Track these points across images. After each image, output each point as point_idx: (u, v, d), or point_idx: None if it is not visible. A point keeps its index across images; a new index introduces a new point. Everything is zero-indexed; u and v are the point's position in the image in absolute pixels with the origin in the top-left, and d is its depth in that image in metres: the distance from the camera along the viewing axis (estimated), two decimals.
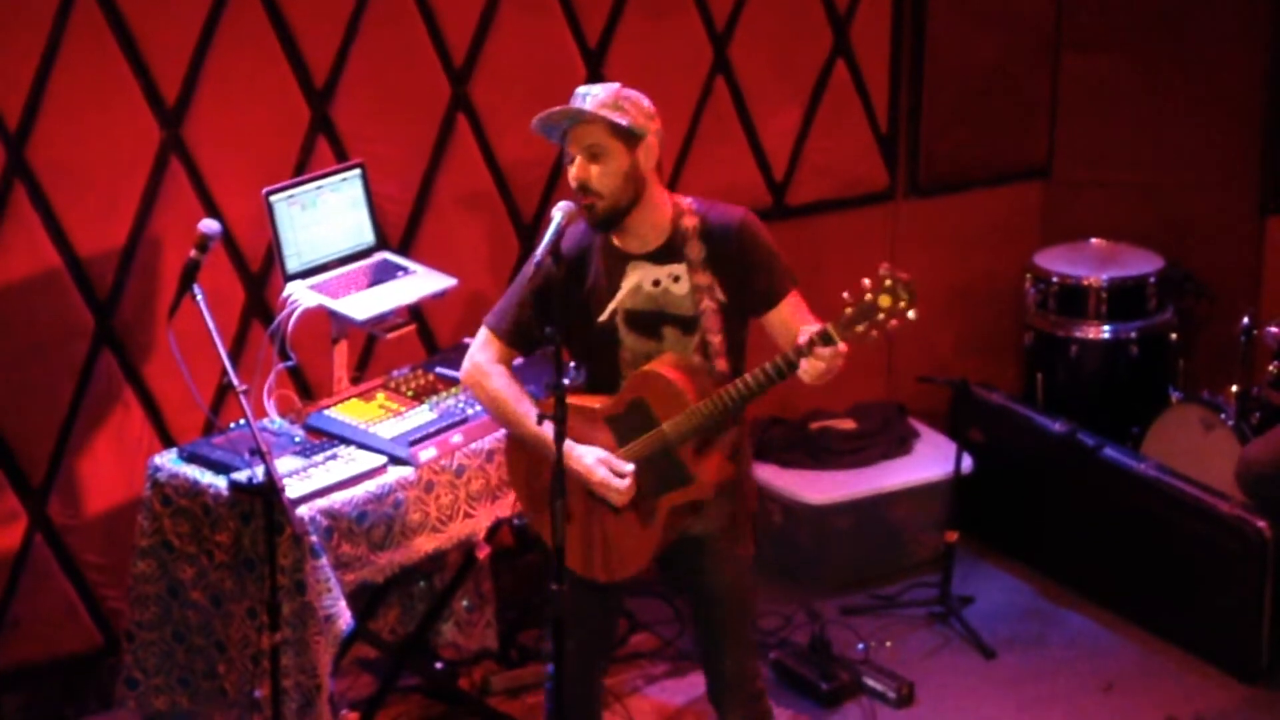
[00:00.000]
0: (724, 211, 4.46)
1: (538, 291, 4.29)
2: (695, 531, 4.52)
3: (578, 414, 4.39)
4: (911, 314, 4.16)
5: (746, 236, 4.43)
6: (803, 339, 4.21)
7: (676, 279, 4.42)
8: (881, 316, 4.15)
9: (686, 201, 4.46)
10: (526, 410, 4.46)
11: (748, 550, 4.61)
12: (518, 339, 4.53)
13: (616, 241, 4.46)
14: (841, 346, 4.19)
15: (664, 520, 4.43)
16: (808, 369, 4.23)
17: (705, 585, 4.61)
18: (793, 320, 4.38)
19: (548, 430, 4.31)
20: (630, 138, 4.37)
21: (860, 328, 4.16)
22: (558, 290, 4.33)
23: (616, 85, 4.41)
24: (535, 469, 4.55)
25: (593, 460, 4.41)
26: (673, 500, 4.42)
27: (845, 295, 4.17)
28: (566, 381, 4.25)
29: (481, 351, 4.56)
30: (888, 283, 4.14)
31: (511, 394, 4.51)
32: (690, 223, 4.42)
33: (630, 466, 4.39)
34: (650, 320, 4.45)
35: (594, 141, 4.35)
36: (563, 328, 4.28)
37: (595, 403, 4.47)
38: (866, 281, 4.15)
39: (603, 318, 4.46)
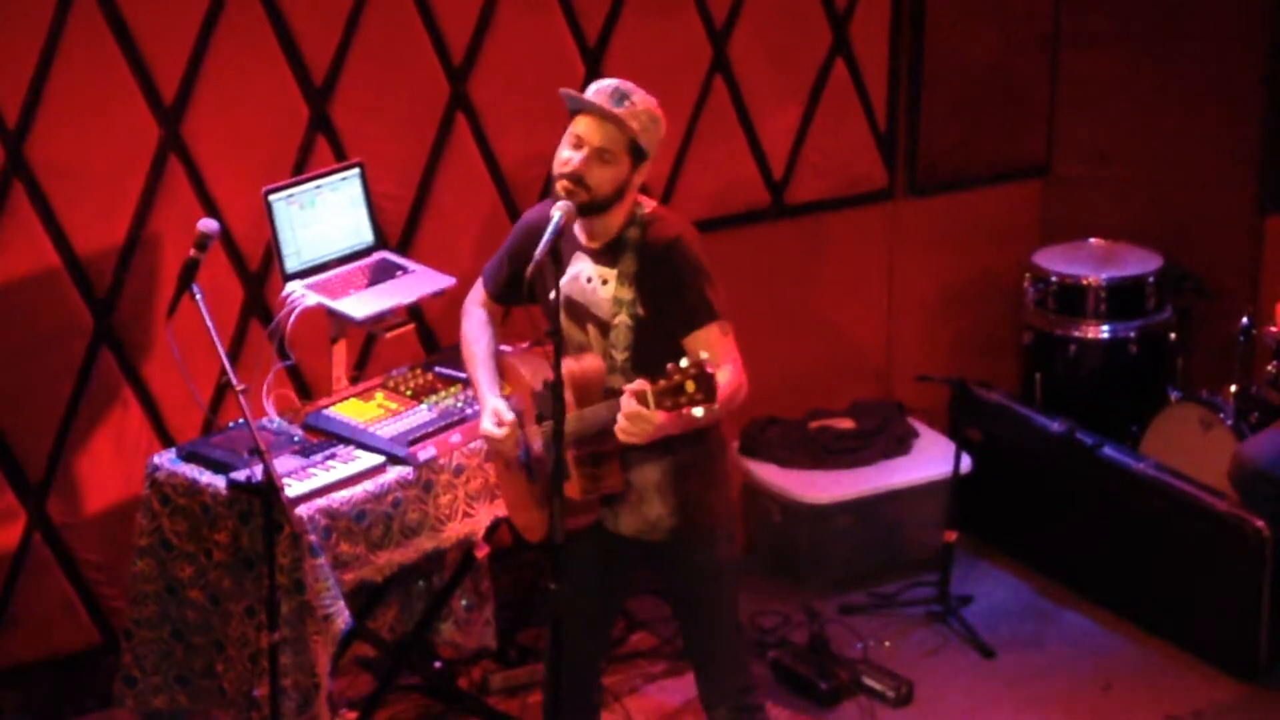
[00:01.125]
0: (664, 227, 4.47)
1: (512, 257, 4.54)
2: (648, 538, 4.55)
3: (525, 373, 4.59)
4: (698, 411, 4.12)
5: (675, 256, 4.43)
6: (627, 389, 4.20)
7: (605, 282, 4.46)
8: (684, 400, 4.14)
9: (644, 211, 4.49)
10: (476, 352, 4.72)
11: (713, 557, 4.61)
12: (495, 289, 4.75)
13: (575, 228, 4.51)
14: (655, 416, 4.17)
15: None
16: (619, 422, 4.22)
17: (670, 593, 4.72)
18: (704, 353, 4.22)
19: (479, 378, 4.66)
20: (639, 156, 4.41)
21: (668, 403, 4.15)
22: (550, 278, 4.38)
23: (654, 101, 4.45)
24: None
25: (488, 412, 4.60)
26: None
27: (669, 366, 4.15)
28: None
29: (472, 293, 4.84)
30: (695, 371, 4.11)
31: (472, 335, 4.77)
32: (633, 235, 4.45)
33: (511, 416, 4.53)
34: (578, 312, 4.51)
35: (609, 146, 4.39)
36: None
37: (540, 367, 4.55)
38: (684, 364, 4.13)
39: (550, 295, 4.49)
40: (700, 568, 4.62)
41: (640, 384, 4.18)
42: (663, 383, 4.14)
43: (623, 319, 4.43)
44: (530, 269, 4.32)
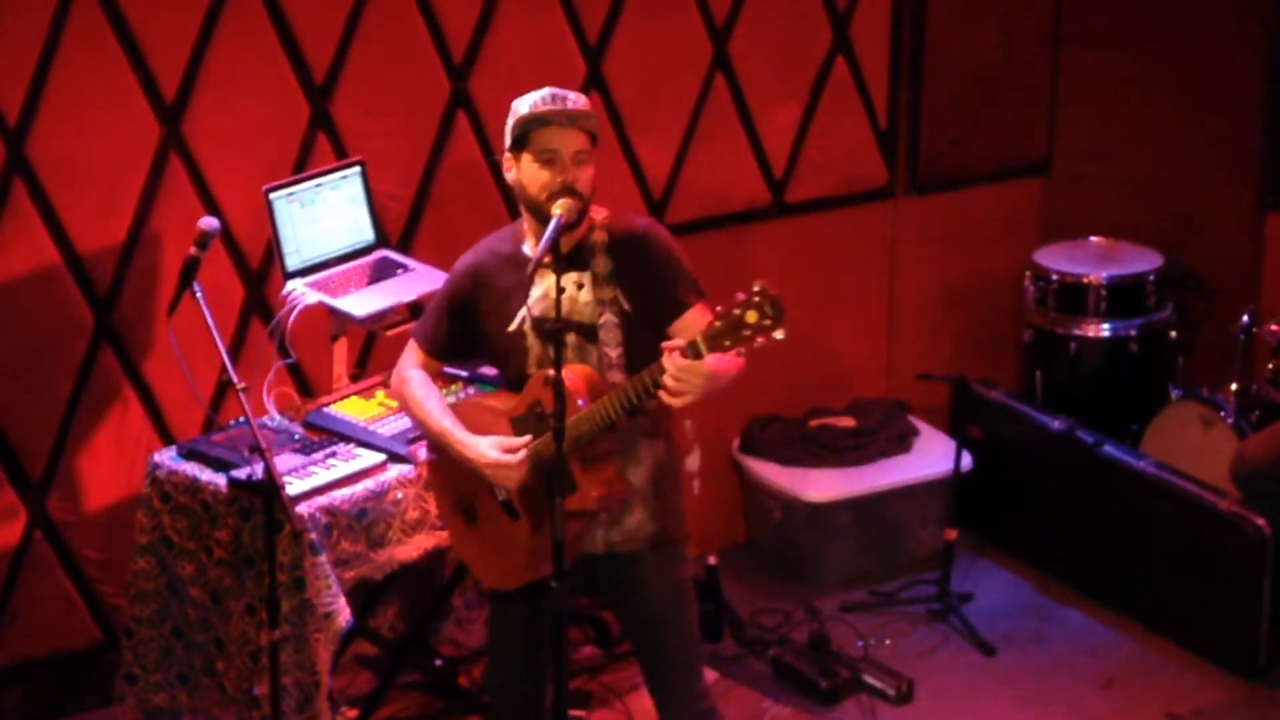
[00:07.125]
0: (628, 222, 4.47)
1: (453, 307, 4.46)
2: (621, 549, 4.49)
3: (486, 412, 4.48)
4: (778, 334, 3.96)
5: (649, 245, 4.43)
6: (670, 347, 4.11)
7: (580, 286, 4.42)
8: (747, 333, 3.98)
9: (602, 215, 4.47)
10: (431, 407, 4.54)
11: (680, 572, 4.56)
12: (434, 347, 4.62)
13: (526, 249, 4.47)
14: (707, 361, 4.06)
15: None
16: (667, 384, 4.13)
17: (637, 606, 4.57)
18: (696, 332, 4.16)
19: (449, 426, 4.46)
20: (594, 148, 4.42)
21: (727, 342, 4.00)
22: (483, 304, 4.42)
23: (581, 94, 4.45)
24: (454, 476, 4.59)
25: (486, 445, 4.41)
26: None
27: (718, 309, 4.04)
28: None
29: (404, 359, 4.67)
30: (756, 298, 3.96)
31: (420, 394, 4.59)
32: (598, 238, 4.43)
33: (522, 440, 4.38)
34: (555, 327, 4.36)
35: (582, 148, 4.39)
36: (479, 337, 4.47)
37: (503, 403, 4.50)
38: (740, 295, 3.99)
39: (512, 327, 4.46)
40: (670, 579, 4.54)
41: (679, 340, 4.10)
42: (717, 324, 3.99)
43: (609, 317, 4.39)
44: (531, 267, 4.29)
